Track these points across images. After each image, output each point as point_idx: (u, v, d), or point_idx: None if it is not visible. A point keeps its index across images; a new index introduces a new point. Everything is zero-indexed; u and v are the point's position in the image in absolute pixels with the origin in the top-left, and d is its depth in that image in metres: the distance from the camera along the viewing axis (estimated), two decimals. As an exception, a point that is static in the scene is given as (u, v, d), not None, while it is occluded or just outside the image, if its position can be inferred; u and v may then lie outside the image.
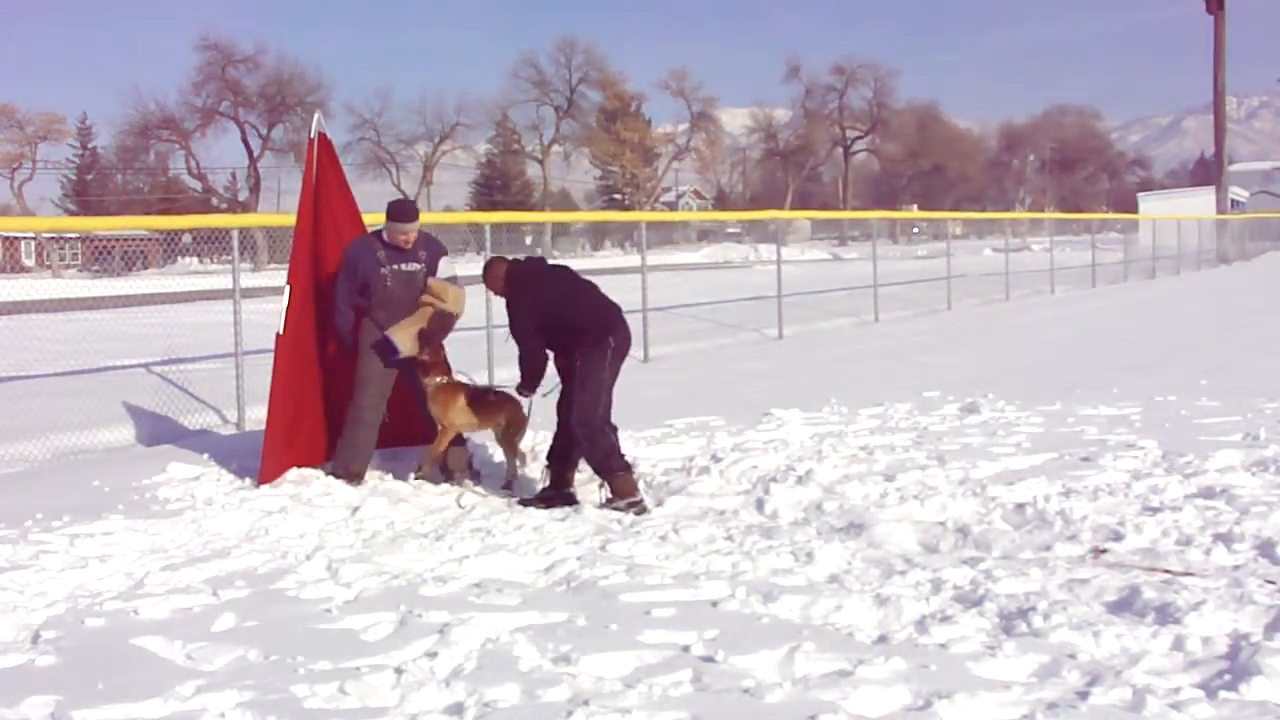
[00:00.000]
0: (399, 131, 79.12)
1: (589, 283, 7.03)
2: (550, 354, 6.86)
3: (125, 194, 77.46)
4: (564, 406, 6.81)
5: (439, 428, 7.18)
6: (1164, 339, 15.11)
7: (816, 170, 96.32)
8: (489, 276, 6.99)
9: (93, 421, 9.24)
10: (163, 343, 12.66)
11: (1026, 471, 6.93)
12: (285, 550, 5.80)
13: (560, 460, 6.89)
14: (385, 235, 7.27)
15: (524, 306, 6.74)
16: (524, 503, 6.78)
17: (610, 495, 6.65)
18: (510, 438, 7.36)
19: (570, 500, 6.77)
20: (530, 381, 6.81)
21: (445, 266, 7.44)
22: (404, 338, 7.15)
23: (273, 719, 3.71)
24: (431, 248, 7.43)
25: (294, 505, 6.67)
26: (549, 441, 7.05)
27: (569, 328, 6.70)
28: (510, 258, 7.04)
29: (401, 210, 7.31)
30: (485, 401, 7.32)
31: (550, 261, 7.28)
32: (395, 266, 7.23)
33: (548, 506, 6.63)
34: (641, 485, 6.83)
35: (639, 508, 6.54)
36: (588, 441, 6.64)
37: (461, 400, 7.21)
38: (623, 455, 6.75)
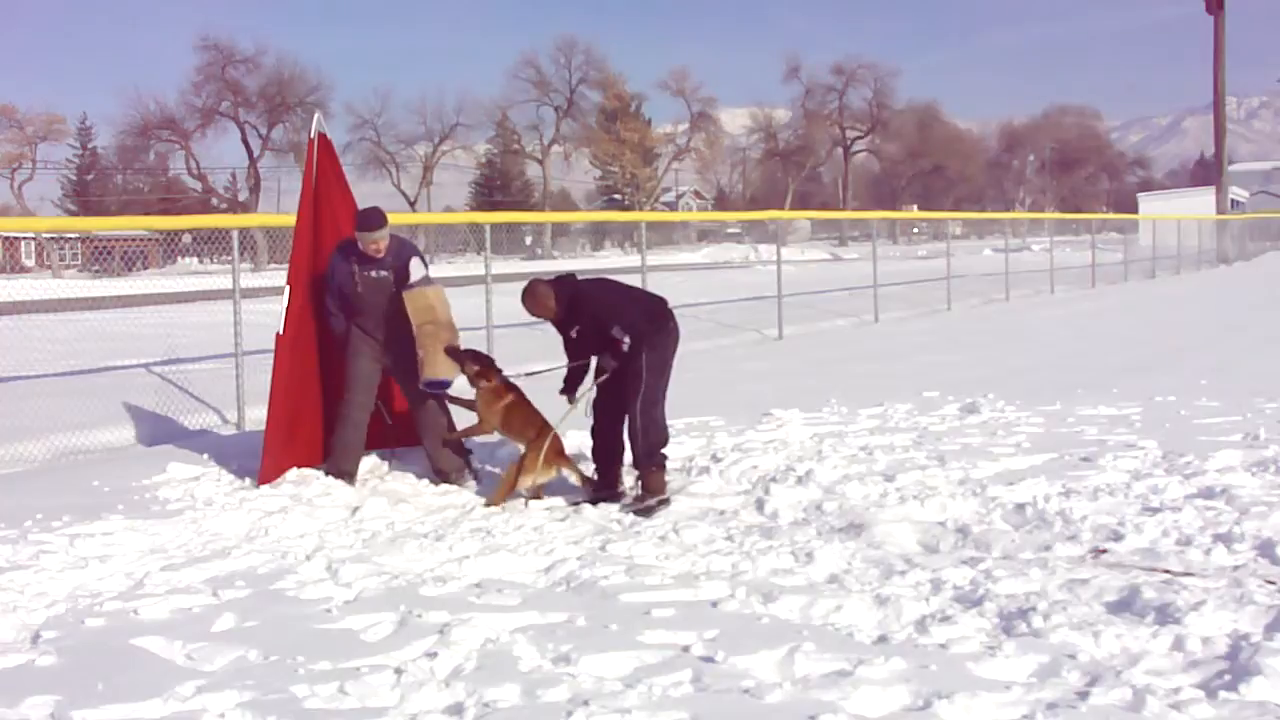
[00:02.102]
0: (399, 131, 79.18)
1: (621, 282, 7.14)
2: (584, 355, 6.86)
3: (125, 194, 77.47)
4: (605, 408, 6.81)
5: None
6: (1164, 339, 15.10)
7: (816, 170, 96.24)
8: (535, 302, 6.78)
9: (93, 421, 9.24)
10: (163, 343, 12.66)
11: (1026, 471, 6.93)
12: (285, 550, 5.80)
13: (607, 459, 6.89)
14: (359, 244, 7.29)
15: (597, 293, 6.78)
16: (576, 504, 6.68)
17: (642, 491, 6.66)
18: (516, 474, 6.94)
19: (619, 498, 6.77)
20: (619, 357, 6.63)
21: (416, 268, 7.30)
22: (439, 366, 7.12)
23: (273, 719, 3.71)
24: (401, 252, 7.35)
25: (294, 505, 6.67)
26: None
27: (639, 316, 6.73)
28: (544, 280, 6.89)
29: (368, 220, 7.24)
30: (528, 412, 7.03)
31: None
32: (365, 273, 7.26)
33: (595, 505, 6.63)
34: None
35: (667, 504, 6.60)
36: (646, 428, 6.65)
37: (502, 405, 7.01)
38: (663, 450, 6.80)
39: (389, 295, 7.28)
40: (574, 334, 6.83)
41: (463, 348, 7.23)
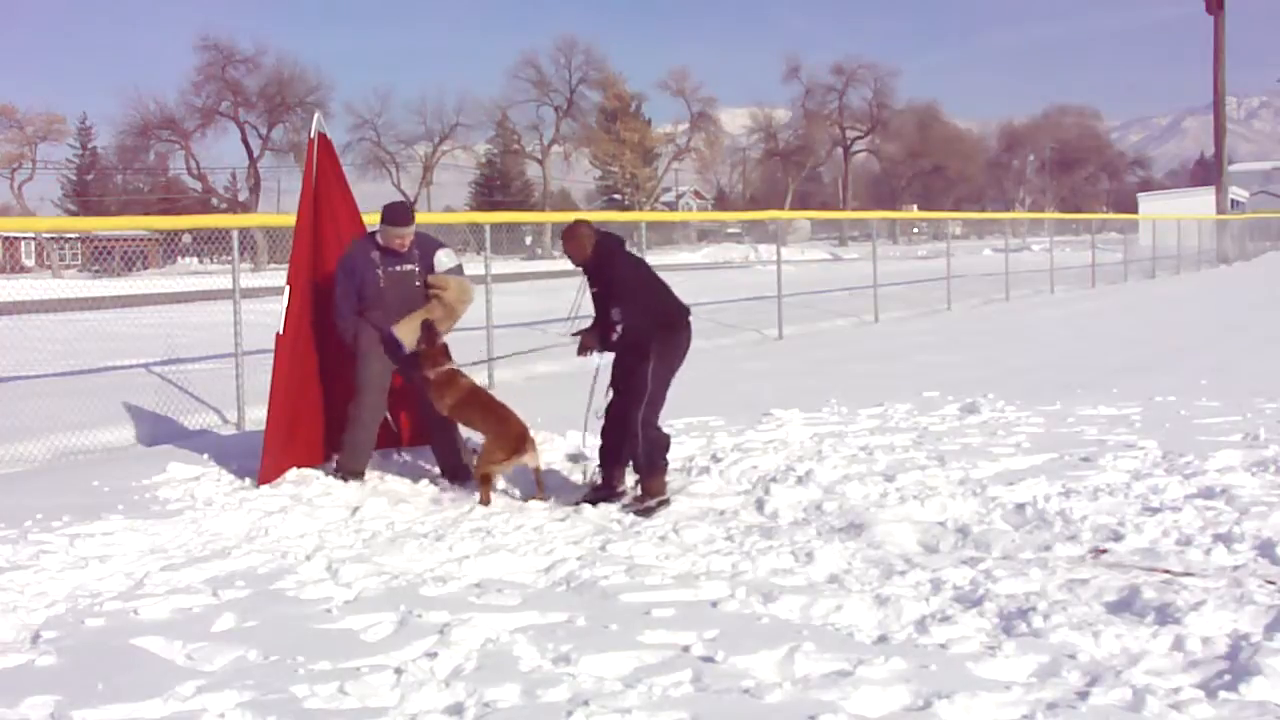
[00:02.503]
0: (399, 131, 79.25)
1: (656, 276, 6.95)
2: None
3: (125, 194, 77.47)
4: (616, 405, 6.73)
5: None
6: (1164, 339, 15.10)
7: (816, 170, 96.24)
8: (574, 241, 6.73)
9: (93, 421, 9.23)
10: (163, 343, 12.65)
11: (1026, 471, 6.93)
12: (285, 550, 5.80)
13: (612, 461, 6.82)
14: (380, 238, 7.26)
15: (625, 266, 6.68)
16: (577, 504, 6.62)
17: (641, 492, 6.62)
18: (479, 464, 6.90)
19: (619, 498, 6.71)
20: (608, 343, 6.61)
21: (446, 258, 7.39)
22: (406, 332, 7.13)
23: (273, 719, 3.71)
24: (425, 245, 7.40)
25: (294, 505, 6.67)
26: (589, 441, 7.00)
27: (651, 313, 6.63)
28: (591, 225, 6.84)
29: (397, 214, 7.26)
30: (484, 405, 7.06)
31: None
32: (390, 268, 7.22)
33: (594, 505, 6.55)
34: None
35: (667, 504, 6.57)
36: (646, 434, 6.58)
37: (456, 393, 7.01)
38: (665, 449, 6.75)
39: (414, 290, 7.25)
40: (593, 292, 6.77)
41: (438, 334, 7.13)
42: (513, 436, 6.81)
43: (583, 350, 6.83)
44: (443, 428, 7.34)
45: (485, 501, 6.68)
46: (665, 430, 6.90)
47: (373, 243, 7.30)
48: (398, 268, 7.24)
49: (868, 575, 5.07)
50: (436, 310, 7.21)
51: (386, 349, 7.22)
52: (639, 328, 6.57)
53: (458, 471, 7.33)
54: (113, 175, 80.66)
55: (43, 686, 4.00)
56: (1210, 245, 40.91)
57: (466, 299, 7.41)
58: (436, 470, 7.48)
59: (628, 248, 6.97)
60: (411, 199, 77.19)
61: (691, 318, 6.92)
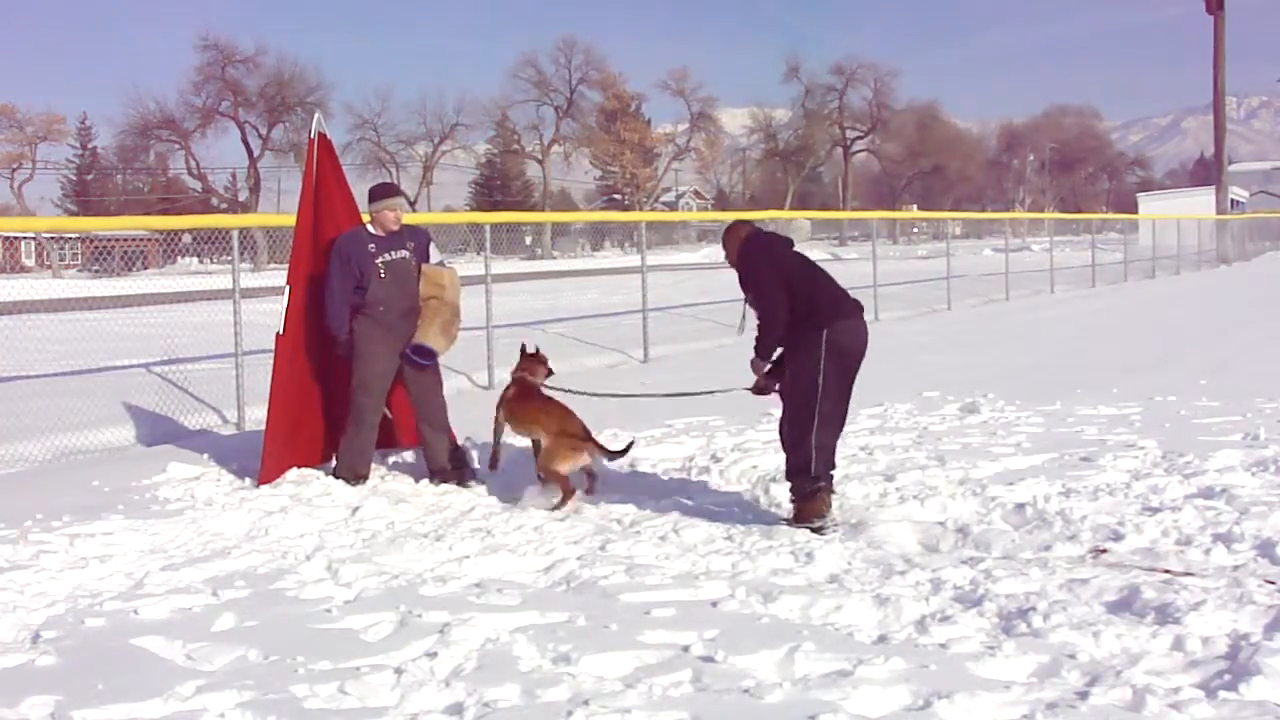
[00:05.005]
0: (399, 131, 79.37)
1: (819, 267, 6.32)
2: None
3: (125, 194, 77.51)
4: (783, 415, 6.22)
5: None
6: (1164, 339, 15.10)
7: (816, 170, 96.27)
8: (727, 237, 6.40)
9: (93, 421, 9.23)
10: (163, 343, 12.65)
11: (1026, 471, 6.93)
12: (285, 550, 5.80)
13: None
14: (373, 226, 7.29)
15: (763, 262, 6.13)
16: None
17: (793, 515, 6.09)
18: (546, 464, 6.69)
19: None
20: (766, 349, 6.15)
21: (434, 251, 7.47)
22: (433, 337, 7.15)
23: (273, 719, 3.71)
24: (417, 235, 7.46)
25: (294, 505, 6.67)
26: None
27: (806, 312, 6.03)
28: (747, 225, 6.47)
29: (385, 188, 7.46)
30: (539, 406, 6.99)
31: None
32: (387, 256, 7.21)
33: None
34: (835, 505, 6.09)
35: (818, 531, 5.87)
36: (787, 450, 6.13)
37: (518, 400, 7.04)
38: (815, 476, 5.98)
39: (413, 279, 7.25)
40: (746, 299, 6.30)
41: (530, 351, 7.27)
42: (574, 438, 6.74)
43: (760, 391, 6.42)
44: (436, 430, 7.34)
45: (570, 495, 6.57)
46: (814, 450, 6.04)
47: (365, 233, 7.30)
48: (394, 255, 7.22)
49: (868, 575, 5.07)
50: (445, 312, 7.22)
51: (407, 359, 7.22)
52: (798, 330, 6.04)
53: (448, 474, 7.30)
54: (113, 175, 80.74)
55: (43, 686, 4.00)
56: (1210, 245, 40.91)
57: (458, 293, 7.46)
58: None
59: (792, 246, 6.39)
60: (412, 199, 77.26)
61: (851, 306, 6.26)
